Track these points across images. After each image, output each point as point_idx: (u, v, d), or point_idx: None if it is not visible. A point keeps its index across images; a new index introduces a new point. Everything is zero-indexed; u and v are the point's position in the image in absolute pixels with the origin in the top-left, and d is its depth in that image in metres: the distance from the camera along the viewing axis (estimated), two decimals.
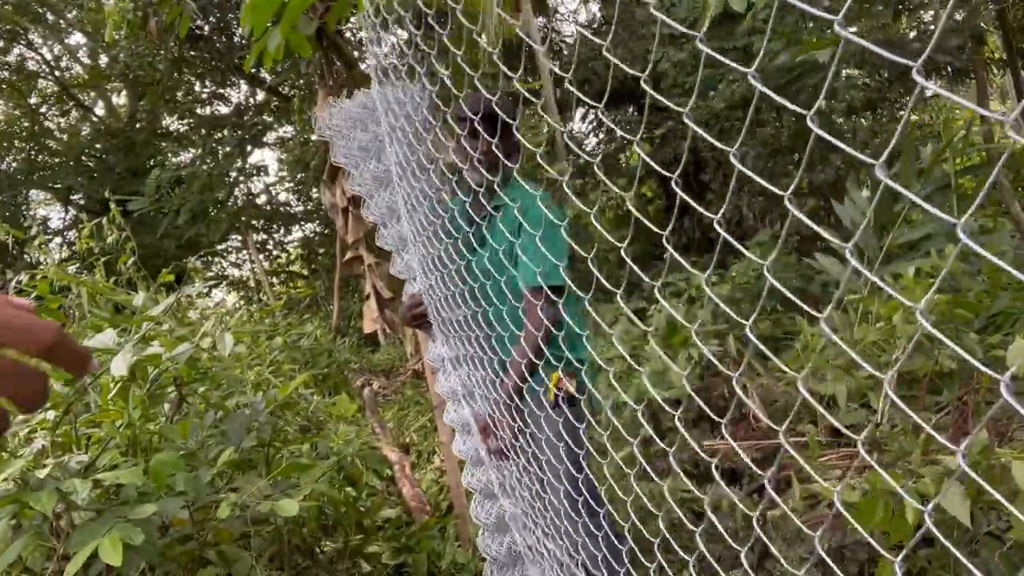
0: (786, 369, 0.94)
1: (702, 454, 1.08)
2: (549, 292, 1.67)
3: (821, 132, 0.62)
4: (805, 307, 0.77)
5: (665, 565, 1.35)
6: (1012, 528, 1.86)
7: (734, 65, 0.73)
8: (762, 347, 0.77)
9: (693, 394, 0.94)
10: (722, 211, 0.88)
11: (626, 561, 1.43)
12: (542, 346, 1.73)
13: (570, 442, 1.86)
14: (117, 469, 1.67)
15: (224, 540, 1.98)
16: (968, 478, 1.77)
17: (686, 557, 1.05)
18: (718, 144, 0.80)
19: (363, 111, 2.22)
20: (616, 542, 1.76)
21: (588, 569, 1.66)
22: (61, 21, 12.15)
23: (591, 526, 1.72)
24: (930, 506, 0.59)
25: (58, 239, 12.71)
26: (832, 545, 2.28)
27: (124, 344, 1.72)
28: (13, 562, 1.59)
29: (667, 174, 1.06)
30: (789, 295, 0.75)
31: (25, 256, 9.97)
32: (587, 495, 1.75)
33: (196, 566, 1.91)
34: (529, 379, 1.89)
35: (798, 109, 0.67)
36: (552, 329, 1.73)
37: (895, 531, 1.77)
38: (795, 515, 2.56)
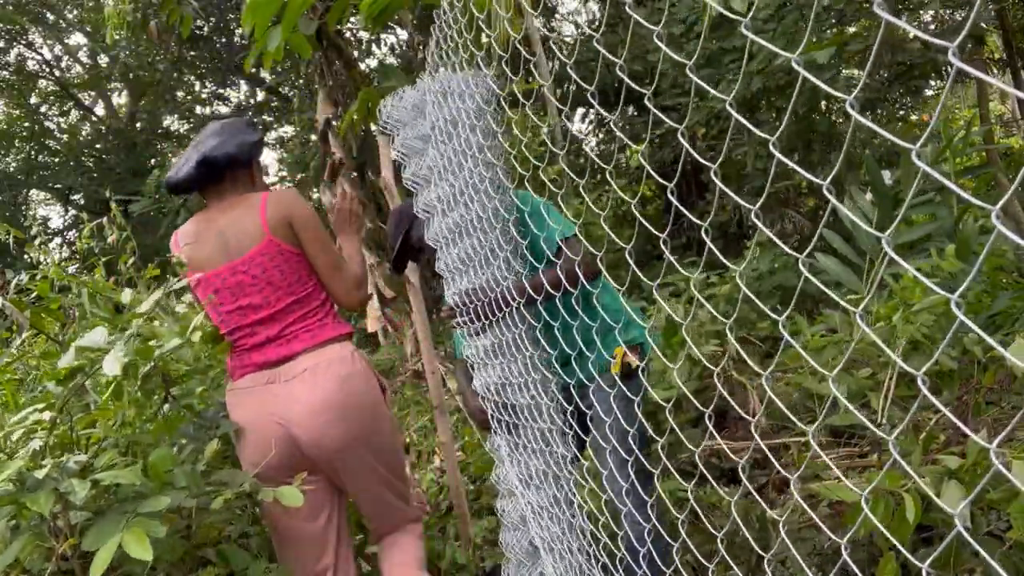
0: (818, 368, 0.94)
1: (729, 453, 1.08)
2: (571, 241, 1.85)
3: (862, 119, 0.62)
4: (843, 303, 0.77)
5: (659, 561, 1.35)
6: (1012, 528, 1.85)
7: (775, 49, 0.73)
8: (793, 342, 0.77)
9: (724, 388, 0.94)
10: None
11: (683, 533, 1.42)
12: (567, 282, 1.74)
13: (626, 416, 1.84)
14: (115, 468, 1.65)
15: (214, 537, 1.97)
16: (966, 477, 1.77)
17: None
18: (756, 130, 0.80)
19: (427, 97, 2.02)
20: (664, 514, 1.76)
21: (633, 545, 1.63)
22: (61, 21, 12.15)
23: (643, 493, 1.74)
24: (960, 507, 0.58)
25: (58, 239, 12.71)
26: (834, 545, 2.28)
27: (116, 342, 1.70)
28: (11, 563, 1.58)
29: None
30: (824, 290, 0.75)
31: (25, 256, 9.96)
32: (642, 462, 1.79)
33: (196, 565, 1.90)
34: (535, 296, 1.82)
35: (838, 94, 0.67)
36: (582, 271, 1.66)
37: (895, 531, 1.77)
38: (795, 515, 2.56)
